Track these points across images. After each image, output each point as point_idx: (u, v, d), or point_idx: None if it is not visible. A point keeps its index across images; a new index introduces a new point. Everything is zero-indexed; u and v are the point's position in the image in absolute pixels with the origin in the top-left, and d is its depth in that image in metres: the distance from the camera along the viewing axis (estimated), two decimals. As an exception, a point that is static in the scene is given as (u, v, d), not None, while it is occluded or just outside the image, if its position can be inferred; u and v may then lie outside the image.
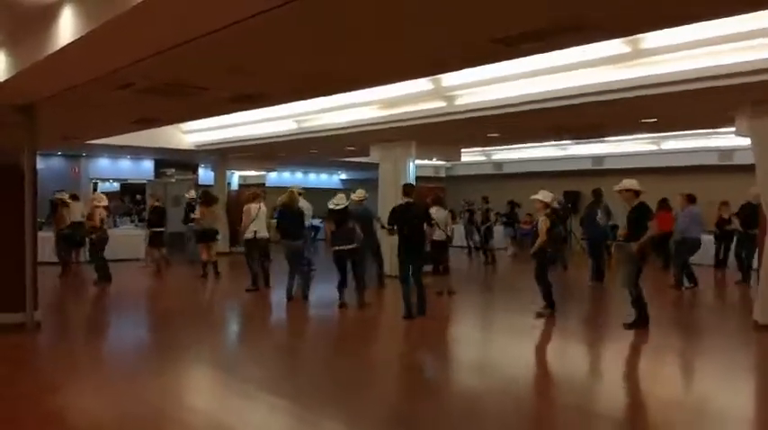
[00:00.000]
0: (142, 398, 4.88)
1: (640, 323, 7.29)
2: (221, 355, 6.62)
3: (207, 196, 12.16)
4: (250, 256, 10.13)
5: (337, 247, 8.52)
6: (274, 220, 10.02)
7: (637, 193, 7.55)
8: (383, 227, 9.01)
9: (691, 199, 10.88)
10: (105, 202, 10.98)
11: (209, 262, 11.45)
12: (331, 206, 8.61)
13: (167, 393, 5.14)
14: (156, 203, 12.72)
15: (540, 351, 7.09)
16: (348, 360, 6.38)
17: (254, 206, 10.05)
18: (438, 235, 9.30)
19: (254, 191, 10.75)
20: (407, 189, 8.30)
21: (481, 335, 8.09)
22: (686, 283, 10.52)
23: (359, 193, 10.43)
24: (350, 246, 8.42)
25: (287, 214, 9.31)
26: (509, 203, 16.64)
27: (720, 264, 12.44)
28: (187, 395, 5.28)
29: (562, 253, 12.29)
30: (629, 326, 7.30)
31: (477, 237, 15.48)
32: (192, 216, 12.60)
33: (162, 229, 12.42)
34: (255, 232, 9.91)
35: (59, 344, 6.98)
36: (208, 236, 11.59)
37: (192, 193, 13.87)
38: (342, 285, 8.58)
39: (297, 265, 9.20)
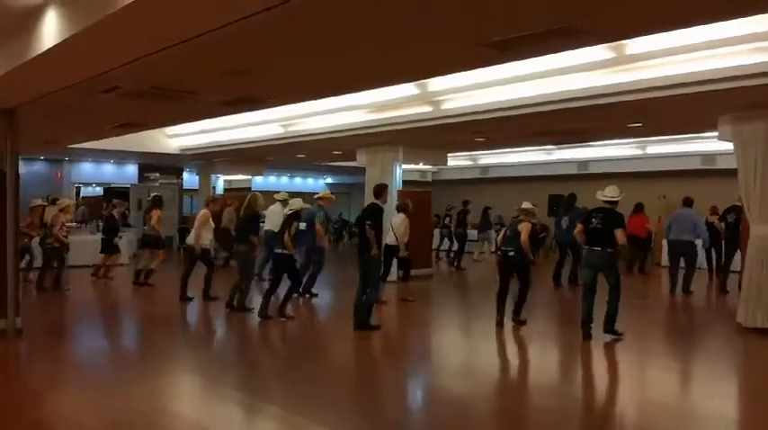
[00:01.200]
0: (127, 405, 4.81)
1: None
2: (198, 361, 6.56)
3: (153, 201, 11.57)
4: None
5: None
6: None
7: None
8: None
9: (684, 202, 10.94)
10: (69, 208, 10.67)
11: (144, 269, 10.89)
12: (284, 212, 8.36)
13: (151, 400, 5.07)
14: (109, 212, 12.22)
15: (515, 356, 7.11)
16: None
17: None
18: (390, 239, 9.20)
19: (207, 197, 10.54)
20: (375, 189, 7.96)
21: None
22: (669, 287, 10.64)
23: (322, 194, 10.22)
24: (279, 251, 8.17)
25: (242, 218, 8.99)
26: (484, 209, 16.67)
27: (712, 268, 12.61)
28: (171, 401, 5.21)
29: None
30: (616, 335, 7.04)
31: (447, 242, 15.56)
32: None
33: (104, 237, 11.92)
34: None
35: (41, 351, 6.86)
36: (145, 242, 11.24)
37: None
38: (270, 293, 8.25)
39: (241, 271, 8.70)
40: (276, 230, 9.84)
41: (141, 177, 18.78)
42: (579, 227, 7.35)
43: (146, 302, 9.98)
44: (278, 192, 11.69)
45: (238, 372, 6.02)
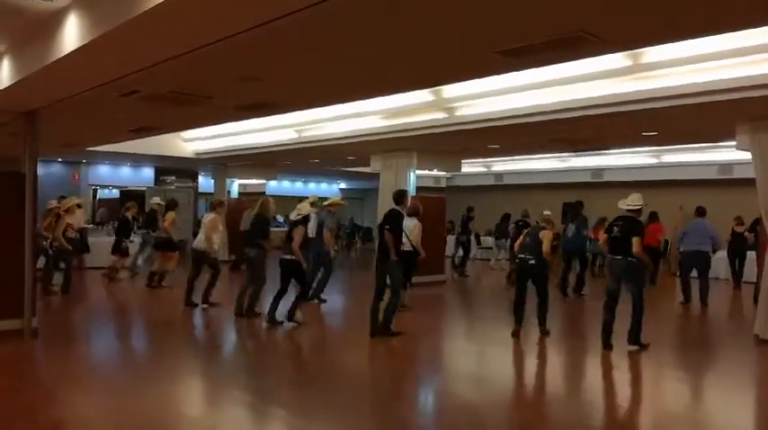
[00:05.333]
0: (140, 408, 4.84)
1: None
2: (213, 365, 6.59)
3: (167, 203, 11.53)
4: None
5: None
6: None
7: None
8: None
9: (698, 212, 10.75)
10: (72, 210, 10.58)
11: (158, 272, 11.00)
12: (292, 217, 8.21)
13: (166, 402, 5.11)
14: (126, 213, 12.24)
15: (530, 366, 7.08)
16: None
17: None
18: (405, 245, 8.77)
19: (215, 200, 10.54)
20: (395, 195, 7.96)
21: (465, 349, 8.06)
22: (680, 298, 10.55)
23: (331, 200, 10.19)
24: (286, 257, 8.07)
25: (252, 223, 8.90)
26: (504, 215, 16.57)
27: (735, 278, 12.47)
28: (185, 404, 5.25)
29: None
30: (640, 346, 6.99)
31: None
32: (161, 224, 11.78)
33: (116, 238, 11.99)
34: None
35: (57, 352, 6.93)
36: (162, 245, 11.19)
37: (157, 200, 12.89)
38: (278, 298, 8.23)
39: (251, 276, 8.68)
40: (312, 235, 9.76)
41: (157, 180, 18.95)
42: (603, 236, 7.33)
43: (156, 305, 10.06)
44: (305, 197, 11.76)
45: (249, 377, 6.05)
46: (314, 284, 9.65)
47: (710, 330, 9.23)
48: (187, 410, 5.04)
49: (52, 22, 4.97)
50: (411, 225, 9.24)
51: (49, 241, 10.21)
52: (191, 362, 6.63)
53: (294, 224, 8.10)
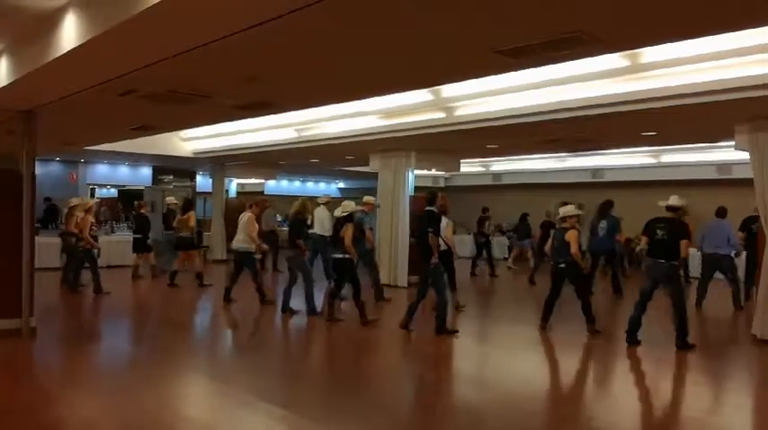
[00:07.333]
0: (140, 408, 4.82)
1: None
2: (217, 365, 6.58)
3: (184, 203, 11.87)
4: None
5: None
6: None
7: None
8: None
9: (717, 212, 10.35)
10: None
11: (178, 271, 11.19)
12: (336, 214, 8.35)
13: (165, 403, 5.09)
14: (141, 211, 12.39)
15: (551, 367, 7.07)
16: (345, 372, 6.34)
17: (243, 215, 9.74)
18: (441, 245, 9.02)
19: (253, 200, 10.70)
20: (428, 196, 8.10)
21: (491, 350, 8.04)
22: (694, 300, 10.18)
23: (365, 200, 10.33)
24: (339, 255, 8.15)
25: (290, 223, 9.29)
26: (522, 216, 16.32)
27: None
28: (185, 404, 5.23)
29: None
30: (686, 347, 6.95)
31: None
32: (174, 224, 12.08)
33: (140, 236, 12.16)
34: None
35: (55, 352, 6.92)
36: (181, 244, 11.41)
37: (172, 199, 13.32)
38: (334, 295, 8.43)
39: (291, 275, 9.01)
40: (325, 234, 10.02)
41: (155, 180, 18.93)
42: (644, 239, 7.23)
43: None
44: (317, 196, 11.84)
45: (258, 377, 6.01)
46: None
47: (710, 331, 9.21)
48: (190, 411, 5.03)
49: (50, 20, 4.95)
50: (444, 224, 9.24)
51: (75, 240, 10.32)
52: (202, 360, 6.63)
53: (342, 222, 8.17)
